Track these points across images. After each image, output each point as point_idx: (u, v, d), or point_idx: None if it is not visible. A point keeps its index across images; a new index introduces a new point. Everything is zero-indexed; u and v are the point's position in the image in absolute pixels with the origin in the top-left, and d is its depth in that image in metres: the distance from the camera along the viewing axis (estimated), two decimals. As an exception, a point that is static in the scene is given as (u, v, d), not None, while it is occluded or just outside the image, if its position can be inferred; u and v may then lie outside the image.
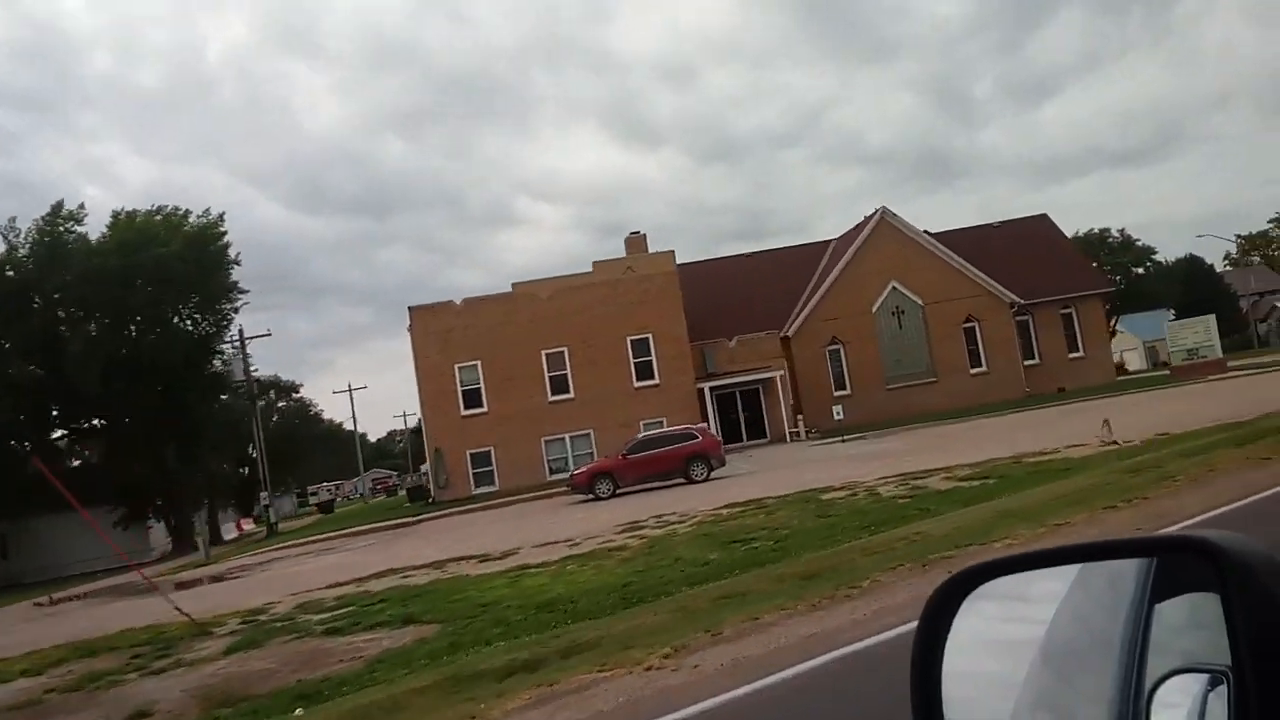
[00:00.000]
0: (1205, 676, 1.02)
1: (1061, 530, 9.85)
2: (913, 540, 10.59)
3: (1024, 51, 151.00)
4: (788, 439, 37.84)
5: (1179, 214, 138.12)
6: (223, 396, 47.62)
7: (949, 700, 1.17)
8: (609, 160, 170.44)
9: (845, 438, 34.76)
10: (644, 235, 43.82)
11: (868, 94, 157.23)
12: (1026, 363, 44.68)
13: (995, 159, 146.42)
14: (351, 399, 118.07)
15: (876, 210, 44.13)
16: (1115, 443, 18.79)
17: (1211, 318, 40.85)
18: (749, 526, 15.94)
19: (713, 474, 29.16)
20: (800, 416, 37.81)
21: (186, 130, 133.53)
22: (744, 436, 39.44)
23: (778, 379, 38.34)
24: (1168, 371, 42.43)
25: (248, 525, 65.37)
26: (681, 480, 28.73)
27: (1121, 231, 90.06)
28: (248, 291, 47.81)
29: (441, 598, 13.70)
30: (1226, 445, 14.50)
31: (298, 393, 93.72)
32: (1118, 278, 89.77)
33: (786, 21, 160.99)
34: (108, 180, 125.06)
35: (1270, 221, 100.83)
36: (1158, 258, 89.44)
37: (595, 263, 38.85)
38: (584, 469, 29.31)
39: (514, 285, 37.91)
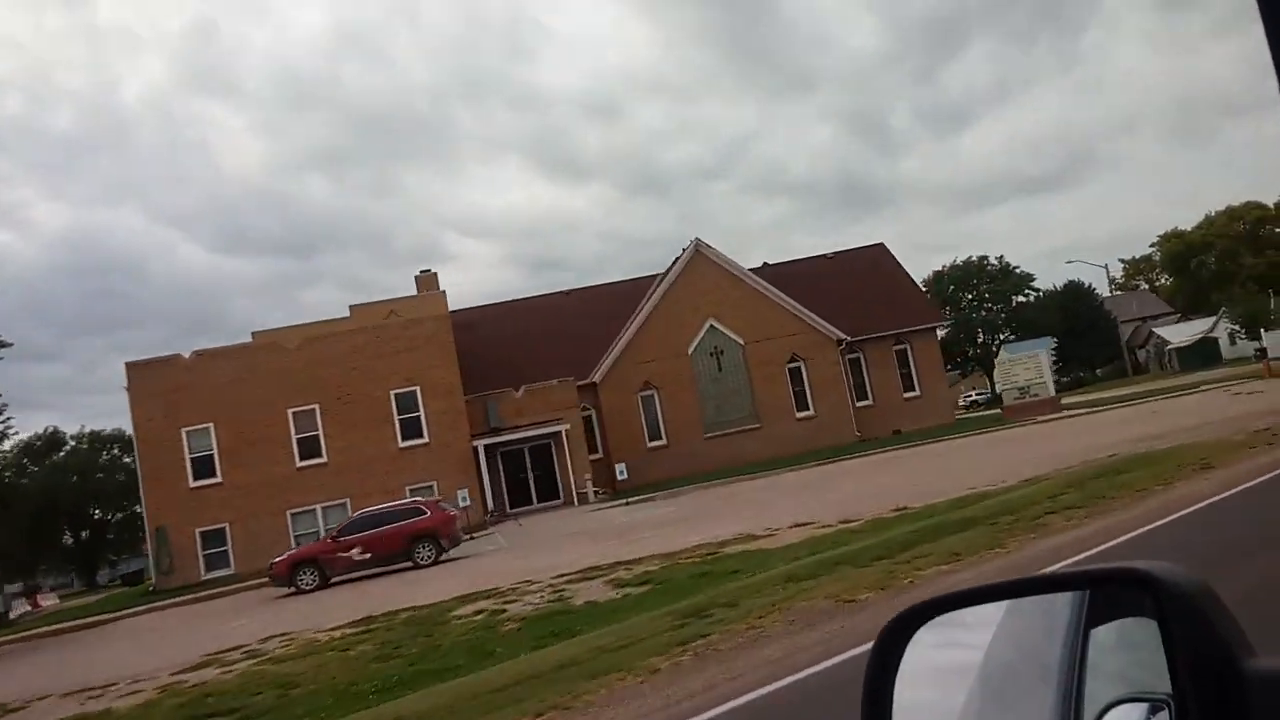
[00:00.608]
0: (1146, 705, 1.02)
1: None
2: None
3: (939, 82, 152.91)
4: (576, 501, 33.56)
5: (1092, 238, 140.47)
6: None
7: None
8: (537, 195, 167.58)
9: (629, 501, 30.67)
10: (434, 274, 39.45)
11: (790, 126, 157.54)
12: (860, 404, 41.25)
13: (917, 187, 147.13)
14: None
15: (691, 242, 40.50)
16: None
17: (1042, 353, 37.87)
18: (280, 677, 12.53)
19: (445, 555, 25.00)
20: (588, 476, 33.57)
21: (104, 173, 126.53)
22: (534, 498, 35.06)
23: (564, 433, 34.07)
24: (999, 411, 39.34)
25: (48, 601, 58.90)
26: (409, 564, 24.48)
27: (1000, 259, 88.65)
28: (9, 345, 42.30)
29: None
30: (861, 561, 10.61)
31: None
32: (997, 306, 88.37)
33: (709, 56, 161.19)
34: (21, 226, 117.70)
35: (1152, 245, 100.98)
36: (1037, 285, 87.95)
37: (353, 307, 34.28)
38: (284, 556, 24.62)
39: (254, 334, 33.17)
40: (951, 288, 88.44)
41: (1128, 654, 1.08)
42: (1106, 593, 1.13)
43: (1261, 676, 0.85)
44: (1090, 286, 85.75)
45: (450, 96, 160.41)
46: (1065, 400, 41.31)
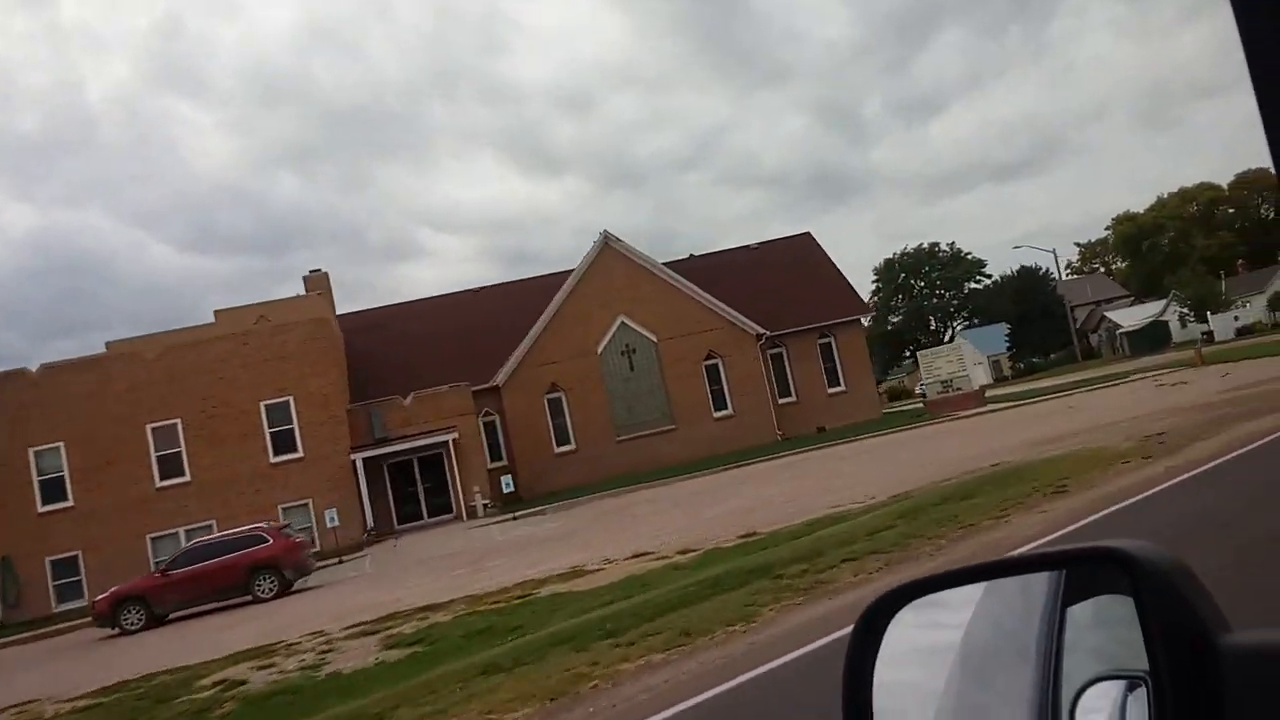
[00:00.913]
0: (1124, 682, 1.02)
1: None
2: None
3: (910, 72, 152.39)
4: (466, 515, 31.24)
5: (1063, 223, 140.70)
6: None
7: (879, 712, 1.17)
8: (511, 189, 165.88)
9: (516, 515, 28.39)
10: (325, 274, 36.96)
11: (763, 116, 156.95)
12: (782, 400, 39.15)
13: (888, 176, 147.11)
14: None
15: (600, 235, 38.20)
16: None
17: (964, 343, 35.85)
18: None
19: (302, 584, 22.99)
20: (478, 489, 31.21)
21: (71, 174, 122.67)
22: (425, 513, 32.67)
23: (451, 442, 31.69)
24: (922, 405, 37.31)
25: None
26: (249, 598, 22.29)
27: (951, 244, 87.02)
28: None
29: None
30: (585, 640, 8.43)
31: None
32: (949, 293, 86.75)
33: (681, 48, 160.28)
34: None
35: (1107, 229, 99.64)
36: (993, 271, 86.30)
37: (219, 312, 31.78)
38: (108, 592, 22.19)
39: (109, 345, 30.57)
40: (903, 275, 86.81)
41: (1105, 631, 1.07)
42: (1083, 571, 1.12)
43: (1236, 651, 0.85)
44: (1046, 271, 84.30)
45: (423, 91, 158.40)
46: (991, 393, 39.50)
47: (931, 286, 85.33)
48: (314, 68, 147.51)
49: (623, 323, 37.65)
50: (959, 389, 34.05)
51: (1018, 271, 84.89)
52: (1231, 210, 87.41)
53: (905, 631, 1.20)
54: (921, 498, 13.77)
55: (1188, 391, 24.26)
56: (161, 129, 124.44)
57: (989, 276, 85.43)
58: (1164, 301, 69.87)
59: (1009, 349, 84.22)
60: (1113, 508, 9.62)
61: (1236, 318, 57.86)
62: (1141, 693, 0.98)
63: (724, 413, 37.73)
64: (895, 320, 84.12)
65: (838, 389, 39.87)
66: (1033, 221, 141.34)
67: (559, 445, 36.70)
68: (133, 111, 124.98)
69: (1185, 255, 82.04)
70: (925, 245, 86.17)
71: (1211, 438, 13.64)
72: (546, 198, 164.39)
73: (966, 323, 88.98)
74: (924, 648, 1.23)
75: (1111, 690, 1.04)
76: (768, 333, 38.28)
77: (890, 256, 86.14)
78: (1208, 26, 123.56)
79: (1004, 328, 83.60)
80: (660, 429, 37.08)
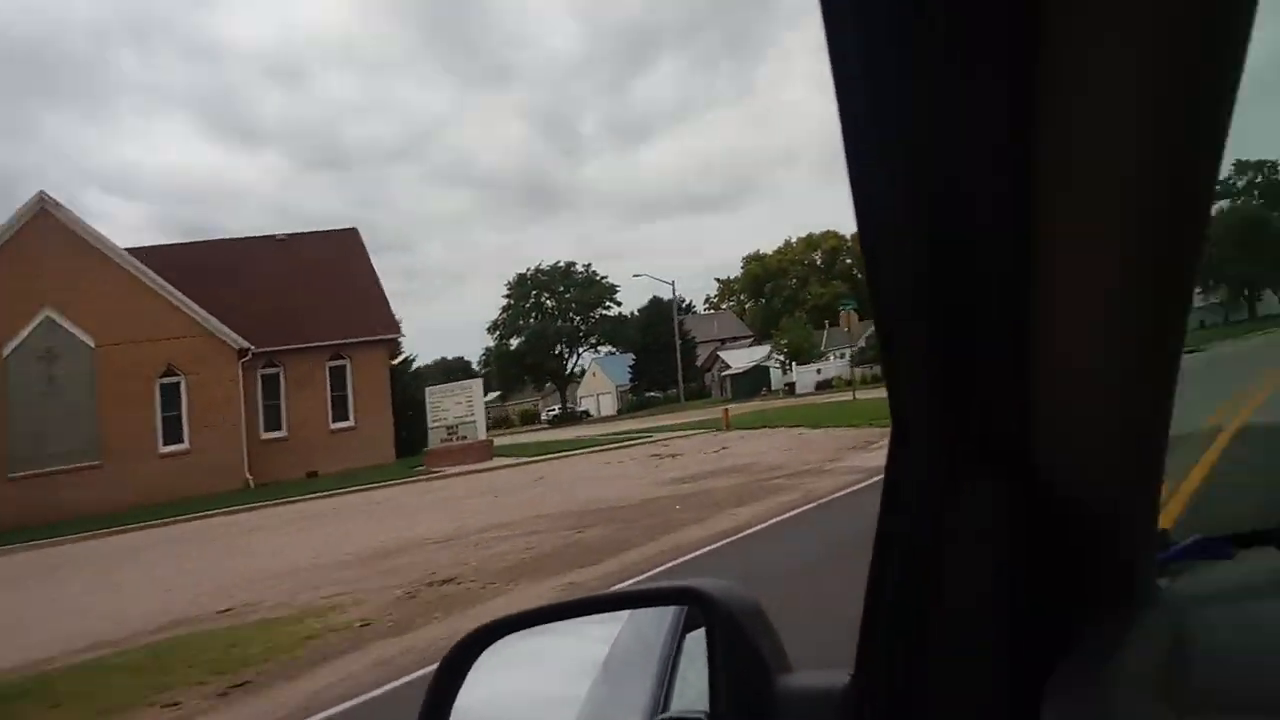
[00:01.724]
0: None
1: None
2: None
3: (627, 95, 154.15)
4: None
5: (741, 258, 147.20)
6: None
7: None
8: (201, 157, 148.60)
9: None
10: None
11: (481, 117, 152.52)
12: (267, 435, 31.66)
13: (595, 194, 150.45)
14: None
15: (34, 195, 28.86)
16: None
17: (477, 383, 30.35)
18: None
19: None
20: None
21: None
22: None
23: None
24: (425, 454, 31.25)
25: None
26: None
27: (587, 266, 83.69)
28: None
29: None
30: None
31: None
32: (576, 320, 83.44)
33: (407, 34, 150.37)
34: None
35: (742, 267, 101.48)
36: (620, 297, 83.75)
37: None
38: None
39: None
40: (535, 292, 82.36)
41: (699, 666, 1.03)
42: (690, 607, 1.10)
43: (789, 692, 0.89)
44: (689, 304, 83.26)
45: (111, 35, 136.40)
46: (537, 435, 34.56)
47: (564, 307, 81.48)
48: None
49: (49, 318, 28.49)
50: (464, 437, 28.33)
51: (650, 302, 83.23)
52: (849, 261, 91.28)
53: (499, 666, 1.12)
54: None
55: (667, 467, 19.79)
56: None
57: (619, 304, 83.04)
58: (769, 347, 70.19)
59: (631, 381, 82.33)
60: None
61: (819, 370, 58.01)
62: None
63: (177, 447, 29.58)
64: (518, 341, 79.27)
65: (344, 424, 32.97)
66: (718, 254, 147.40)
67: (-80, 479, 26.88)
68: None
69: (803, 301, 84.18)
70: (561, 263, 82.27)
71: (404, 635, 7.97)
72: (239, 171, 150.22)
73: (596, 349, 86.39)
74: (523, 677, 1.18)
75: None
76: (253, 347, 30.67)
77: (524, 271, 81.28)
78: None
79: (627, 358, 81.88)
80: (80, 464, 28.17)
